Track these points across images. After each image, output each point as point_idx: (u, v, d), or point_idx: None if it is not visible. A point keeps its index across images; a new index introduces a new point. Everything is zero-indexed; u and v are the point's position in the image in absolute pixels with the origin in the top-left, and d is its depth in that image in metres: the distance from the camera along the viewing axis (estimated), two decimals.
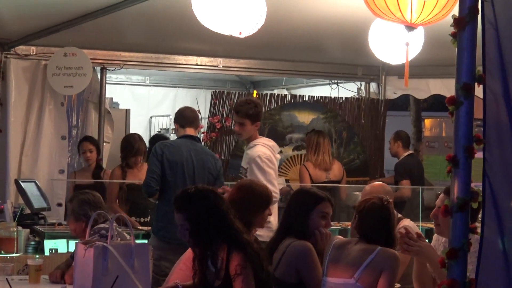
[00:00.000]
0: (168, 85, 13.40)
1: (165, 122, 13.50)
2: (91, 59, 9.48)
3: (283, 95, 11.16)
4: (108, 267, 4.49)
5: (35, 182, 8.47)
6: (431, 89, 10.97)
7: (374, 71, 11.14)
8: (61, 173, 9.61)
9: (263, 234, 6.06)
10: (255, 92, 12.05)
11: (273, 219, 6.45)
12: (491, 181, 3.31)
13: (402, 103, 16.94)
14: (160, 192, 6.80)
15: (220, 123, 10.29)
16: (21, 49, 9.41)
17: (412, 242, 4.74)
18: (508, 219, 3.34)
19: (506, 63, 3.36)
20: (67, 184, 9.66)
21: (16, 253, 7.14)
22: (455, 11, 3.43)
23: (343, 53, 10.25)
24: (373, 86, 11.45)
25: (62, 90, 9.41)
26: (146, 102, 13.57)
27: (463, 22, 3.33)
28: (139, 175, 8.52)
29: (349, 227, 8.32)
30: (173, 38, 9.44)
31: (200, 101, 12.23)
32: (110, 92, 11.43)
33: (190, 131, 7.09)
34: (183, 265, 4.78)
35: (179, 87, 13.36)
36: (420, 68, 9.71)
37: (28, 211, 8.11)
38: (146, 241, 7.04)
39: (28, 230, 7.52)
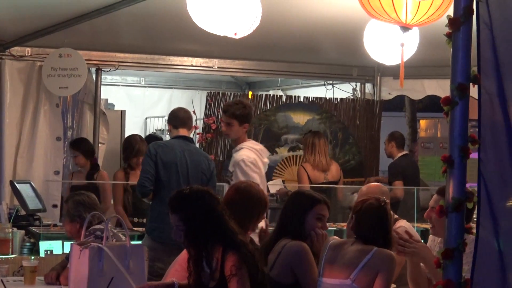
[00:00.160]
0: (164, 86, 13.40)
1: (160, 123, 13.48)
2: (86, 60, 9.47)
3: (278, 96, 11.16)
4: (103, 268, 4.49)
5: (30, 183, 8.46)
6: (427, 89, 10.98)
7: (369, 71, 11.15)
8: (56, 174, 9.59)
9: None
10: (250, 93, 12.04)
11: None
12: (486, 181, 3.31)
13: (397, 103, 16.94)
14: (154, 192, 6.80)
15: (216, 124, 10.29)
16: (16, 50, 9.40)
17: (407, 244, 4.74)
18: (503, 219, 3.35)
19: (501, 64, 3.36)
20: (62, 185, 9.65)
21: (11, 254, 7.13)
22: (450, 11, 3.43)
23: (338, 54, 10.26)
24: (368, 86, 11.45)
25: (57, 91, 9.41)
26: (141, 103, 13.56)
27: (458, 23, 3.33)
28: None
29: (345, 227, 8.33)
30: (168, 39, 9.43)
31: (195, 102, 12.22)
32: (105, 93, 11.43)
33: (183, 131, 7.08)
34: (179, 266, 4.77)
35: (175, 88, 13.35)
36: (415, 69, 9.72)
37: (23, 212, 8.10)
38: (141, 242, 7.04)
39: (23, 232, 7.51)
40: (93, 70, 9.98)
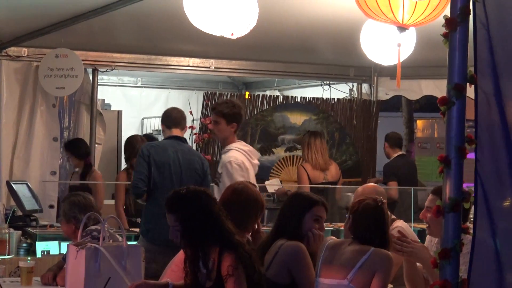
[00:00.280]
0: (160, 87, 13.39)
1: (157, 124, 13.45)
2: (82, 60, 9.46)
3: (275, 96, 11.16)
4: (100, 268, 4.48)
5: (26, 184, 8.45)
6: (423, 90, 10.99)
7: (366, 72, 11.16)
8: (53, 174, 9.59)
9: None
10: (247, 93, 12.04)
11: None
12: (483, 181, 3.31)
13: (394, 104, 16.92)
14: (148, 193, 6.78)
15: None
16: (13, 50, 9.39)
17: (405, 243, 4.74)
18: (500, 219, 3.35)
19: (498, 64, 3.37)
20: (59, 185, 9.65)
21: (8, 255, 7.11)
22: (447, 11, 3.43)
23: (335, 54, 10.26)
24: (365, 87, 11.46)
25: (53, 91, 9.40)
26: (138, 104, 13.55)
27: (455, 23, 3.33)
28: None
29: (342, 228, 8.33)
30: (165, 39, 9.43)
31: (192, 102, 12.23)
32: (102, 93, 11.42)
33: (176, 132, 7.04)
34: (175, 267, 4.77)
35: (171, 88, 13.35)
36: (412, 69, 9.72)
37: (20, 213, 8.09)
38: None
39: (20, 232, 7.50)
40: (89, 70, 9.98)
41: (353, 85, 11.61)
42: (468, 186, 3.47)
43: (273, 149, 10.68)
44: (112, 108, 12.58)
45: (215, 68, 10.57)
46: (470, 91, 3.37)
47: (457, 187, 3.33)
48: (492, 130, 3.37)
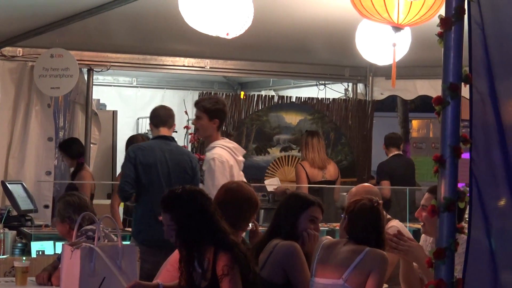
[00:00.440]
0: (156, 87, 13.38)
1: None
2: (77, 60, 9.45)
3: (270, 96, 11.16)
4: (95, 268, 4.48)
5: (21, 184, 8.45)
6: (418, 90, 11.00)
7: (361, 72, 11.16)
8: (48, 174, 9.58)
9: None
10: (242, 93, 12.04)
11: None
12: (478, 181, 3.31)
13: (389, 104, 16.96)
14: (137, 195, 6.75)
15: None
16: (8, 50, 9.38)
17: (401, 242, 4.74)
18: (495, 219, 3.35)
19: (493, 63, 3.37)
20: (54, 185, 9.64)
21: (3, 255, 7.11)
22: (442, 11, 3.43)
23: (330, 54, 10.26)
24: (360, 87, 11.46)
25: (48, 91, 9.39)
26: (133, 104, 13.53)
27: (450, 22, 3.34)
28: None
29: (337, 227, 8.33)
30: (160, 39, 9.42)
31: (187, 102, 12.18)
32: (97, 93, 11.40)
33: (164, 130, 6.97)
34: (170, 266, 4.76)
35: (167, 88, 13.33)
36: (407, 69, 9.73)
37: (14, 213, 8.09)
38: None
39: (14, 232, 7.50)
40: (84, 70, 9.97)
41: (348, 85, 11.61)
42: (463, 186, 3.48)
43: (268, 149, 10.68)
44: (107, 108, 12.57)
45: (210, 68, 10.57)
46: (465, 91, 3.37)
47: (452, 186, 3.33)
48: (487, 130, 3.37)
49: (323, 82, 11.72)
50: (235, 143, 6.87)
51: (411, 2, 5.24)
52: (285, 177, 10.54)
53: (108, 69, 10.14)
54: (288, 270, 4.91)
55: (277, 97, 11.14)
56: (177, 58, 10.38)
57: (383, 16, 5.33)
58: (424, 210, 4.93)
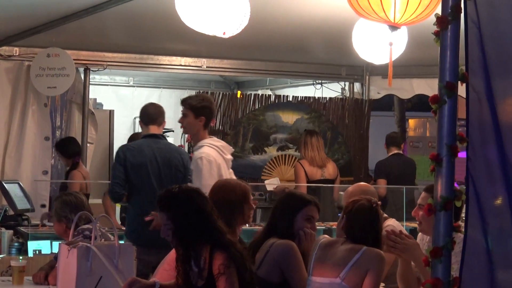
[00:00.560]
0: (152, 86, 13.36)
1: None
2: (74, 59, 9.45)
3: (267, 95, 11.17)
4: (92, 267, 4.48)
5: (18, 183, 8.44)
6: (415, 89, 11.00)
7: (358, 71, 11.17)
8: (45, 174, 9.57)
9: None
10: (239, 92, 12.05)
11: None
12: (475, 179, 3.32)
13: (386, 103, 16.93)
14: (128, 196, 6.73)
15: None
16: (4, 50, 9.37)
17: (399, 240, 4.74)
18: (492, 218, 3.36)
19: (489, 62, 3.37)
20: (50, 185, 9.63)
21: (0, 254, 7.11)
22: (439, 10, 3.43)
23: (327, 53, 10.27)
24: (357, 86, 11.47)
25: (45, 91, 9.39)
26: (130, 103, 13.50)
27: (446, 21, 3.34)
28: None
29: (334, 227, 8.34)
30: (157, 38, 9.42)
31: None
32: (94, 93, 11.40)
33: (153, 129, 6.90)
34: (167, 265, 4.76)
35: (163, 87, 13.32)
36: (404, 68, 9.74)
37: (11, 212, 8.08)
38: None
39: (11, 231, 7.50)
40: (81, 69, 9.97)
41: (345, 84, 11.62)
42: (459, 184, 3.48)
43: (265, 148, 10.69)
44: (104, 108, 12.55)
45: (207, 67, 10.57)
46: (461, 89, 3.37)
47: (449, 185, 3.33)
48: (484, 129, 3.38)
49: (319, 81, 11.72)
50: (223, 142, 6.78)
51: (408, 1, 5.24)
52: (282, 176, 10.54)
53: (104, 69, 10.13)
54: (285, 269, 4.92)
55: (273, 96, 11.14)
56: (174, 58, 10.38)
57: (380, 15, 5.33)
58: (420, 209, 4.93)
